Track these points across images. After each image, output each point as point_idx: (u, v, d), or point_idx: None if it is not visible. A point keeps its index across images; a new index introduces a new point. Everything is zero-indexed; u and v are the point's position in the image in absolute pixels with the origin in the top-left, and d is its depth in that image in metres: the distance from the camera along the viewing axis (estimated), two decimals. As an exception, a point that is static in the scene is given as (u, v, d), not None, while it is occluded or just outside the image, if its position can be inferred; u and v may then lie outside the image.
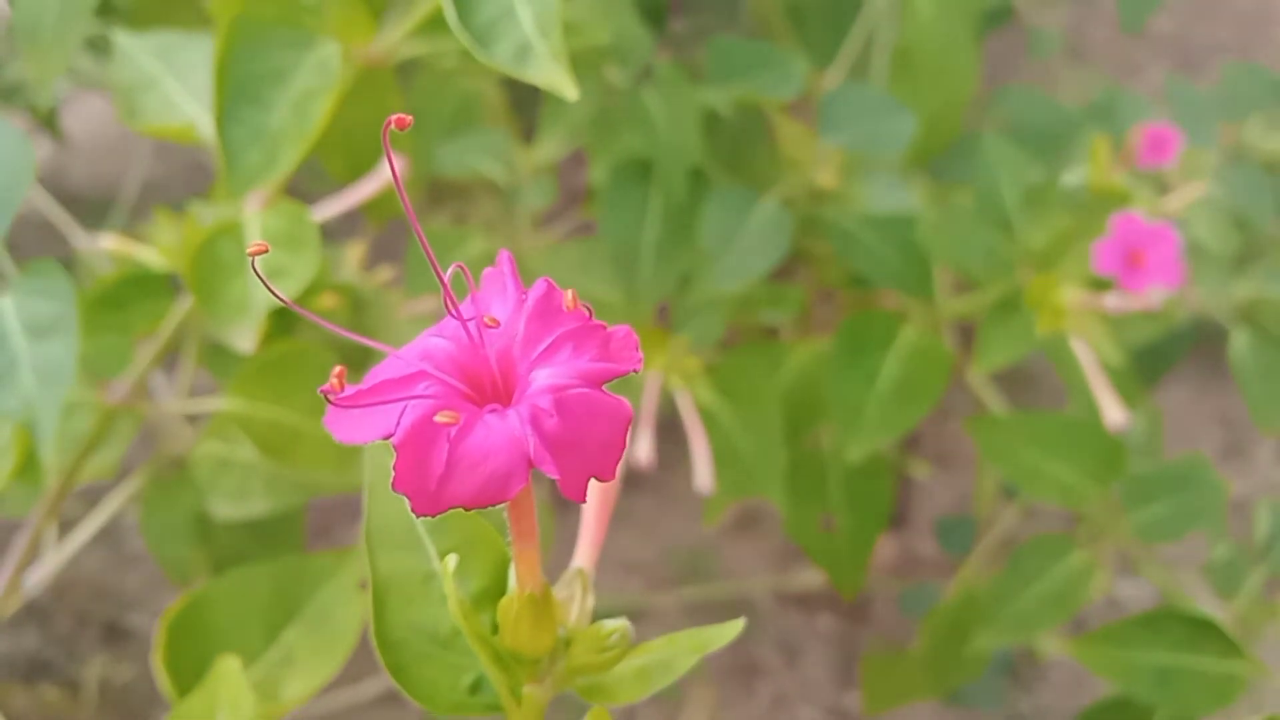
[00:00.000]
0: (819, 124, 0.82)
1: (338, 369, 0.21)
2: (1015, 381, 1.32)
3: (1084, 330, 0.69)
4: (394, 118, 0.22)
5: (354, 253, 0.77)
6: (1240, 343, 1.00)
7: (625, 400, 0.23)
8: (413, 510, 0.21)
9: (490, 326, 0.24)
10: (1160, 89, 1.22)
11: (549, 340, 0.23)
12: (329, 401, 0.22)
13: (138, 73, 0.66)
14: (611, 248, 0.82)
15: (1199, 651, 0.65)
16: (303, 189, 0.98)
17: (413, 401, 0.22)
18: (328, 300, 0.68)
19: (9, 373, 0.54)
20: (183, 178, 1.55)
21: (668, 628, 1.38)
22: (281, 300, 0.23)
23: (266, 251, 0.22)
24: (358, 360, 0.73)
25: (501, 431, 0.22)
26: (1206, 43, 1.98)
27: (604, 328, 0.24)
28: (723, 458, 0.81)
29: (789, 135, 0.79)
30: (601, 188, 0.85)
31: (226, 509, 0.69)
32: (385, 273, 0.78)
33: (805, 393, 0.90)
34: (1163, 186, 1.05)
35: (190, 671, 0.53)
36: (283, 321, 0.65)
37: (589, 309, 0.23)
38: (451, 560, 0.27)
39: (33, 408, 0.54)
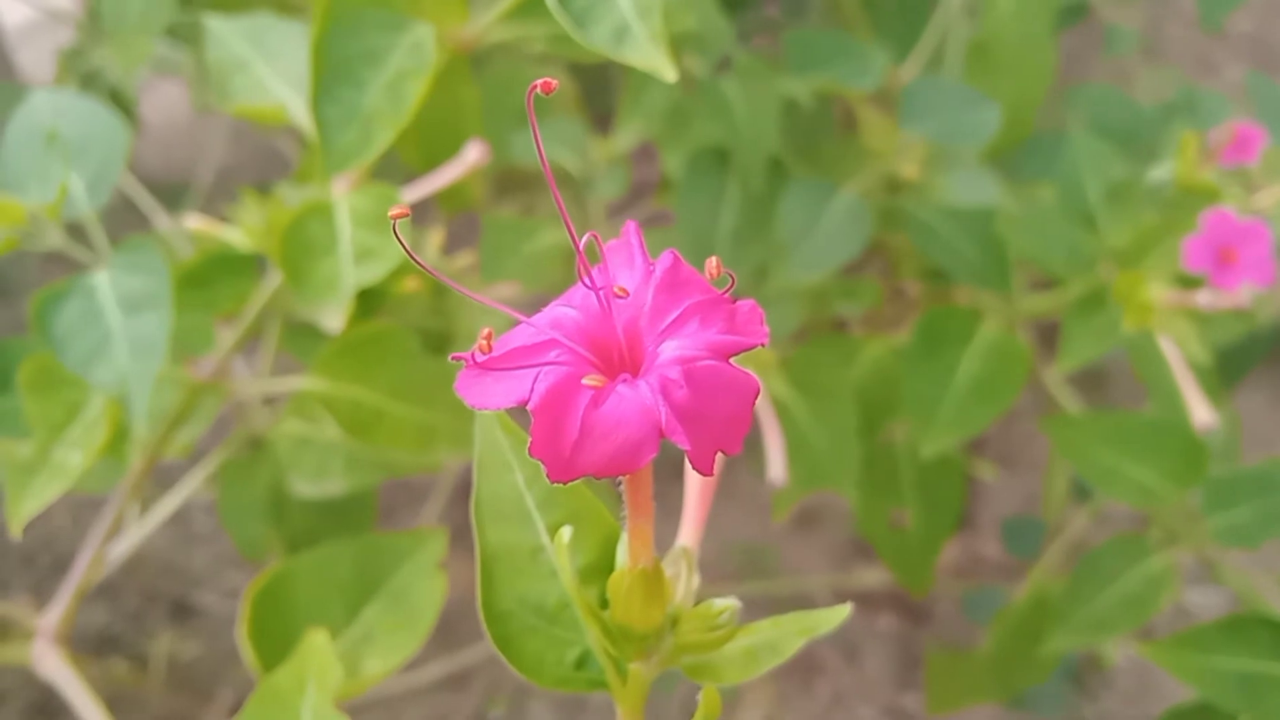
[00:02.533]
0: (900, 115, 0.81)
1: (486, 330, 0.22)
2: (1087, 381, 1.30)
3: (1171, 328, 0.68)
4: (540, 82, 0.22)
5: (434, 238, 0.77)
6: (1323, 346, 0.97)
7: (753, 374, 0.23)
8: (547, 476, 0.21)
9: (619, 297, 0.24)
10: (1237, 88, 1.20)
11: (676, 312, 0.23)
12: (466, 364, 0.22)
13: (229, 55, 0.67)
14: (688, 237, 0.82)
15: (1284, 658, 0.64)
16: (379, 178, 0.99)
17: (547, 368, 0.22)
18: (411, 284, 0.69)
19: (104, 346, 0.55)
20: (256, 164, 1.58)
21: (727, 622, 1.38)
22: (421, 265, 0.23)
23: (408, 215, 0.22)
24: (438, 345, 0.74)
25: (634, 401, 0.22)
26: (1285, 42, 1.94)
27: (730, 301, 0.24)
28: (795, 451, 0.81)
29: (872, 125, 0.78)
30: (678, 177, 0.85)
31: (306, 487, 0.70)
32: (465, 258, 0.79)
33: (879, 388, 0.89)
34: (1248, 184, 1.03)
35: (274, 644, 0.54)
36: (365, 303, 0.66)
37: (733, 277, 0.23)
38: (565, 532, 0.27)
39: (125, 381, 0.55)
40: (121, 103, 1.45)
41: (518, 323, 0.24)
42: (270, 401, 0.78)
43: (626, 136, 0.90)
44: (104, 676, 1.20)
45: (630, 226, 0.25)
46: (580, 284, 0.24)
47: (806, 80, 0.83)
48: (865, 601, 1.35)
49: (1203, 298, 0.64)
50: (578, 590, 0.28)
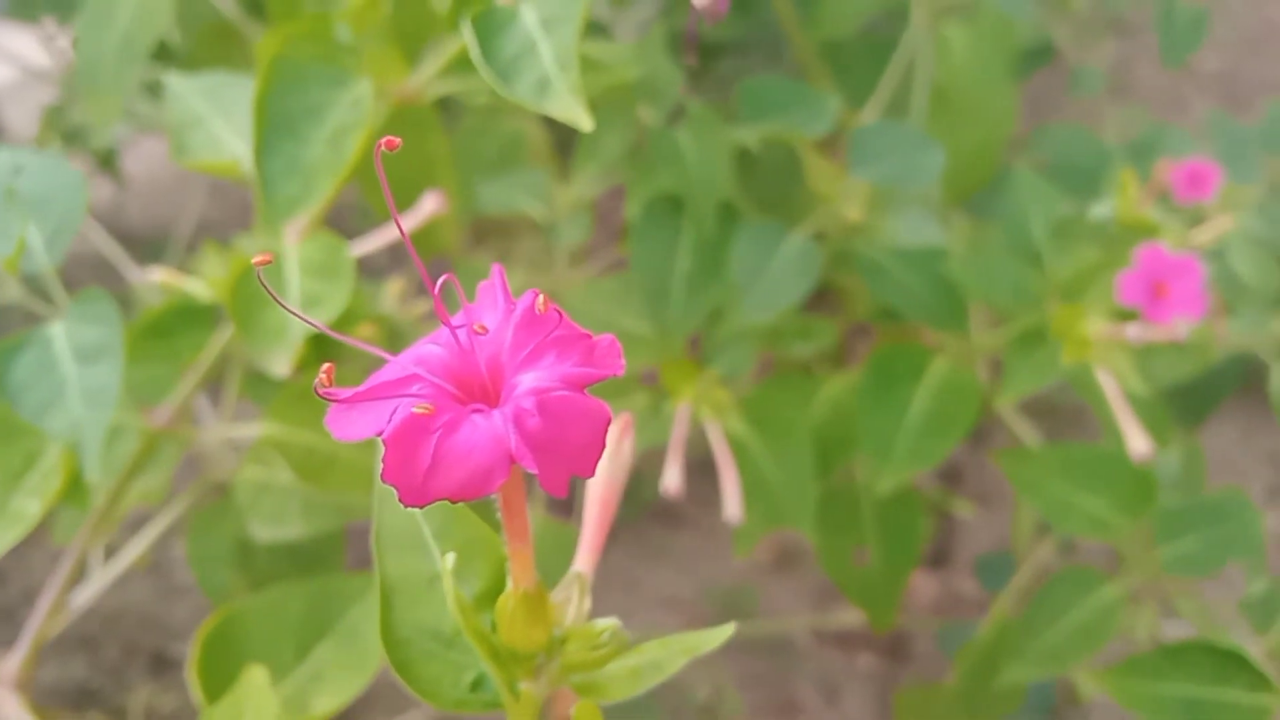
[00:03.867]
0: (848, 159, 0.83)
1: (327, 365, 0.23)
2: (1056, 418, 1.32)
3: (1109, 361, 0.69)
4: (384, 140, 0.24)
5: (394, 287, 0.79)
6: (1280, 379, 0.99)
7: (605, 404, 0.24)
8: (400, 500, 0.23)
9: (480, 334, 0.25)
10: (1205, 126, 1.22)
11: (532, 346, 0.25)
12: (323, 398, 0.24)
13: (187, 112, 0.69)
14: (643, 281, 0.84)
15: (1227, 684, 0.65)
16: (350, 225, 1.01)
17: (404, 400, 0.23)
18: (365, 330, 0.71)
19: (58, 396, 0.57)
20: (236, 217, 1.60)
21: (707, 665, 1.39)
22: (312, 325, 0.25)
23: (270, 262, 0.24)
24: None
25: (485, 429, 0.23)
26: (1254, 80, 1.97)
27: (588, 336, 0.25)
28: (753, 489, 0.82)
29: (818, 171, 0.81)
30: (634, 223, 0.87)
31: (265, 531, 0.72)
32: (423, 306, 0.81)
33: (838, 426, 0.91)
34: (1201, 222, 1.05)
35: (223, 684, 0.55)
36: (320, 350, 0.67)
37: (559, 312, 0.25)
38: (450, 558, 0.29)
39: (79, 429, 0.56)
40: (104, 159, 1.47)
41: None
42: (238, 447, 0.80)
43: (582, 183, 0.92)
44: (83, 731, 1.20)
45: (496, 268, 0.26)
46: (442, 324, 0.26)
47: (758, 128, 0.85)
48: (845, 641, 1.36)
49: (1132, 331, 0.66)
50: (465, 613, 0.29)
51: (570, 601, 0.32)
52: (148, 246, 1.52)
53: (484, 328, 0.25)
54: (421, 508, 0.23)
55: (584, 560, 0.33)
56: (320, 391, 0.23)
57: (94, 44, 0.91)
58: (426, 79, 0.59)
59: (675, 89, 0.83)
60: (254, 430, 0.68)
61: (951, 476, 1.48)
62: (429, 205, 0.78)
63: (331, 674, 0.57)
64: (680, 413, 0.81)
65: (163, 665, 1.31)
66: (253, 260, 0.24)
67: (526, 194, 1.00)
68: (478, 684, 0.32)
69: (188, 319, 0.70)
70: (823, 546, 0.93)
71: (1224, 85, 1.98)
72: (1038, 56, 1.47)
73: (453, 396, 0.25)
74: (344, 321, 0.63)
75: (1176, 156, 1.14)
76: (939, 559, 1.42)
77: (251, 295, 0.60)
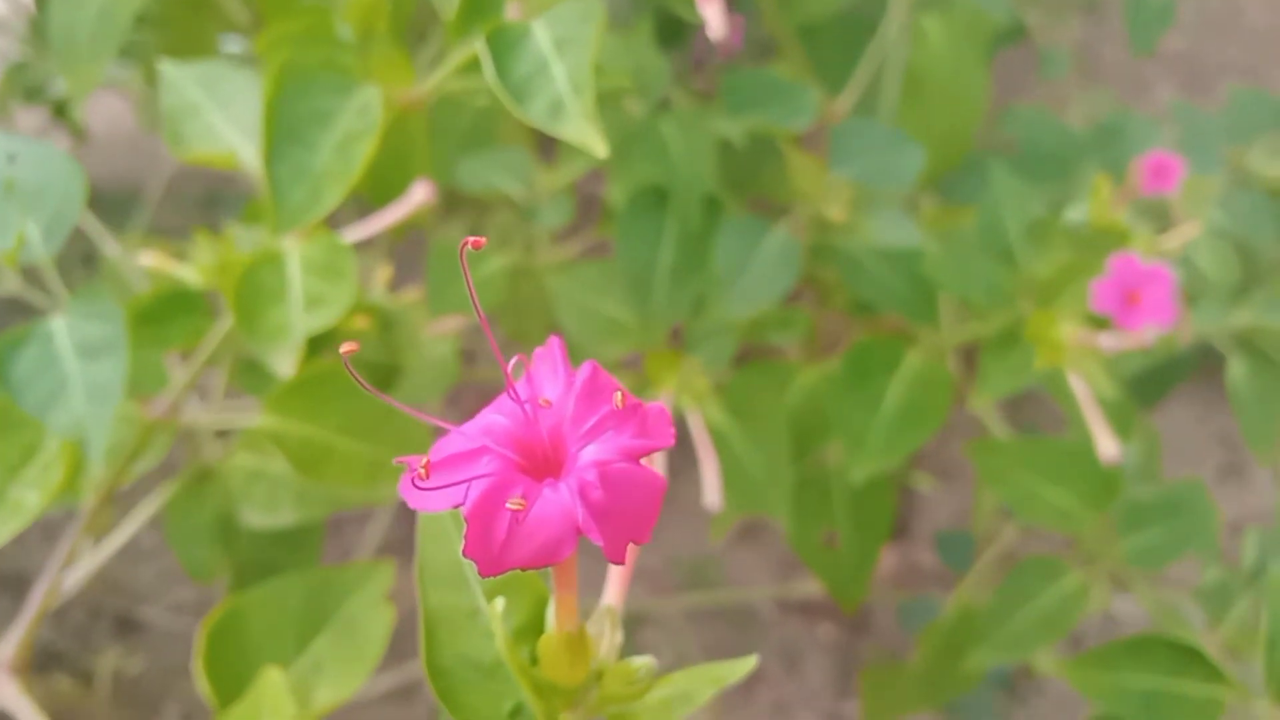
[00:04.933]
0: (830, 156, 0.85)
1: (425, 461, 0.25)
2: (1018, 402, 1.35)
3: (1080, 365, 0.72)
4: (470, 240, 0.25)
5: (382, 274, 0.80)
6: (1238, 370, 1.02)
7: (659, 473, 0.26)
8: (479, 572, 0.25)
9: (544, 407, 0.27)
10: (1168, 108, 1.24)
11: (594, 419, 0.26)
12: (410, 479, 0.25)
13: (182, 101, 0.69)
14: (627, 272, 0.85)
15: (1184, 675, 0.68)
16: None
17: (477, 480, 0.25)
18: (360, 321, 0.72)
19: (61, 391, 0.58)
20: (203, 174, 1.58)
21: (672, 634, 1.41)
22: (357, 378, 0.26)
23: (356, 350, 0.25)
24: (383, 379, 0.77)
25: (555, 504, 0.25)
26: (1217, 61, 2.00)
27: (641, 405, 0.27)
28: (731, 476, 0.84)
29: (800, 168, 0.82)
30: (619, 213, 0.88)
31: (258, 518, 0.73)
32: (411, 293, 0.81)
33: (812, 413, 0.93)
34: (1165, 216, 1.08)
35: (228, 677, 0.57)
36: (314, 341, 0.68)
37: (624, 394, 0.26)
38: (499, 603, 0.31)
39: (82, 425, 0.57)
40: (61, 109, 1.45)
41: (447, 431, 0.27)
42: (222, 434, 0.80)
43: (569, 171, 0.93)
44: (49, 694, 1.20)
45: (554, 341, 0.28)
46: (507, 395, 0.27)
47: (740, 121, 0.86)
48: (805, 611, 1.39)
49: (1106, 341, 0.68)
50: (511, 653, 0.31)
51: (603, 635, 0.33)
52: (113, 204, 1.50)
53: (549, 402, 0.27)
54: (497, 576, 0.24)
55: (614, 595, 0.35)
56: (415, 483, 0.25)
57: (70, 13, 0.90)
58: (432, 86, 0.59)
59: (662, 82, 0.84)
60: (247, 421, 0.69)
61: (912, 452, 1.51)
62: (419, 195, 0.79)
63: (332, 666, 0.58)
64: (662, 402, 0.83)
65: (129, 628, 1.31)
66: (340, 350, 0.25)
67: (506, 173, 1.01)
68: (516, 712, 0.33)
69: (180, 306, 0.71)
70: (794, 530, 0.96)
71: (1187, 66, 2.01)
72: (1008, 36, 1.48)
73: (519, 466, 0.26)
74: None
75: (1140, 142, 1.16)
76: (899, 532, 1.46)
77: (254, 294, 0.60)
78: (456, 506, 0.25)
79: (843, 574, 0.99)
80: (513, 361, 0.27)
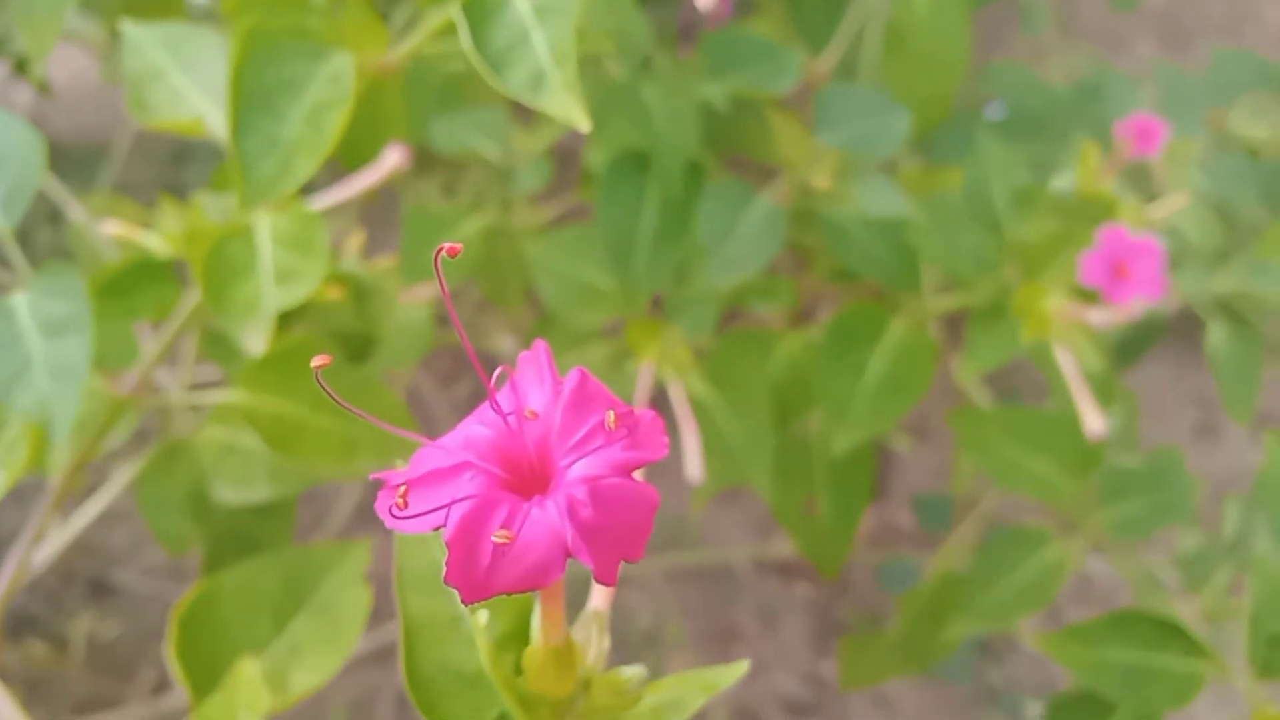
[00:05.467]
0: (814, 122, 0.83)
1: (405, 489, 0.23)
2: (1000, 368, 1.35)
3: (1067, 338, 0.71)
4: (445, 246, 0.24)
5: (354, 241, 0.78)
6: (1217, 335, 1.02)
7: (652, 487, 0.25)
8: (462, 600, 0.23)
9: (530, 419, 0.26)
10: (1147, 65, 1.23)
11: (583, 431, 0.25)
12: (388, 500, 0.24)
13: (146, 64, 0.66)
14: (607, 238, 0.83)
15: (1164, 650, 0.68)
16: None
17: (459, 503, 0.24)
18: (332, 292, 0.70)
19: (23, 371, 0.56)
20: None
21: (650, 593, 1.41)
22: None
23: (329, 364, 0.24)
24: (357, 349, 0.75)
25: (542, 525, 0.24)
26: (1197, 19, 1.98)
27: (632, 414, 0.26)
28: (712, 446, 0.84)
29: (785, 133, 0.80)
30: (599, 177, 0.86)
31: (230, 494, 0.71)
32: (385, 261, 0.80)
33: (794, 381, 0.92)
34: (1146, 179, 1.07)
35: (202, 661, 0.55)
36: (286, 315, 0.66)
37: (617, 407, 0.25)
38: (483, 615, 0.29)
39: (47, 406, 0.55)
40: (22, 63, 1.40)
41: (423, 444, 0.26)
42: (194, 407, 0.79)
43: (548, 134, 0.91)
44: (22, 659, 1.19)
45: (540, 345, 0.26)
46: (489, 406, 0.26)
47: (722, 82, 0.84)
48: (783, 571, 1.40)
49: (1095, 316, 0.67)
50: (495, 665, 0.30)
51: (591, 641, 0.32)
52: (79, 160, 1.47)
53: (535, 413, 0.25)
54: (480, 603, 0.23)
55: (599, 597, 0.34)
56: (393, 511, 0.23)
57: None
58: (405, 52, 0.57)
59: (644, 43, 0.82)
60: (218, 396, 0.67)
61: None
62: (392, 159, 0.77)
63: (309, 648, 0.57)
64: (644, 372, 0.82)
65: (102, 591, 1.30)
66: (312, 364, 0.24)
67: (481, 134, 0.99)
68: (499, 722, 0.32)
69: (147, 276, 0.69)
70: (775, 497, 0.95)
71: (1166, 23, 1.99)
72: (990, -8, 1.46)
73: (503, 482, 0.25)
74: (314, 289, 0.62)
75: (1121, 102, 1.15)
76: (876, 492, 1.46)
77: (222, 268, 0.58)
78: (437, 529, 0.24)
79: (823, 541, 0.98)
80: (497, 372, 0.26)
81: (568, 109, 0.45)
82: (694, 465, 0.79)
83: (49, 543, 0.75)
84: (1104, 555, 1.26)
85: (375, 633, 1.23)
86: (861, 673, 1.04)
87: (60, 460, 0.63)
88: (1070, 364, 0.70)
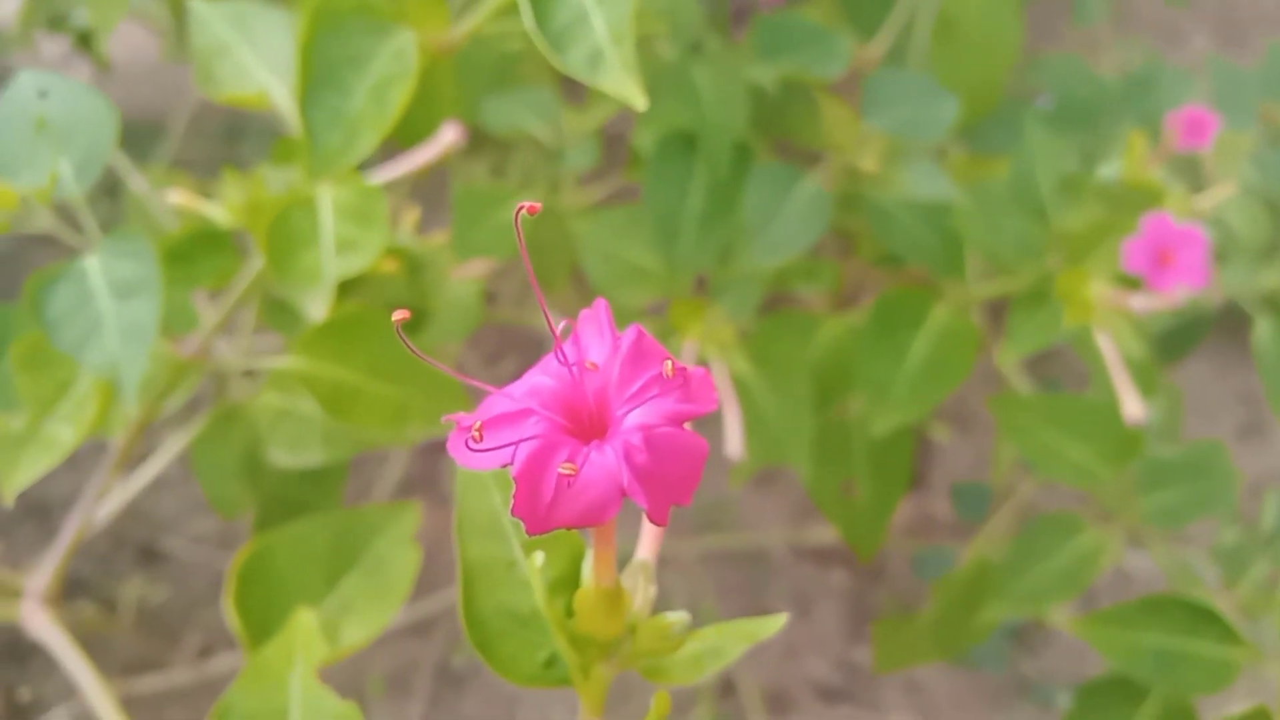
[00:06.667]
0: (863, 106, 0.84)
1: (479, 424, 0.25)
2: (1041, 355, 1.35)
3: (1109, 324, 0.72)
4: (525, 205, 0.25)
5: (409, 217, 0.80)
6: (1264, 331, 1.02)
7: (703, 438, 0.26)
8: (526, 531, 0.25)
9: (591, 370, 0.27)
10: (1203, 59, 1.22)
11: (639, 383, 0.27)
12: (461, 438, 0.26)
13: (213, 39, 0.68)
14: (654, 218, 0.85)
15: (1198, 636, 0.69)
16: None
17: (525, 441, 0.25)
18: (388, 265, 0.72)
19: (95, 330, 0.58)
20: (227, 107, 1.57)
21: (686, 575, 1.42)
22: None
23: (409, 318, 0.26)
24: (412, 322, 0.77)
25: (600, 466, 0.26)
26: (1251, 12, 1.96)
27: (686, 370, 0.27)
28: (752, 425, 0.85)
29: (833, 117, 0.81)
30: (647, 157, 0.87)
31: (285, 458, 0.73)
32: (438, 237, 0.81)
33: (835, 364, 0.93)
34: (1197, 172, 1.06)
35: (258, 614, 0.58)
36: (342, 285, 0.68)
37: (673, 360, 0.27)
38: (538, 556, 0.31)
39: (116, 365, 0.57)
40: (92, 47, 1.44)
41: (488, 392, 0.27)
42: (250, 373, 0.81)
43: (598, 113, 0.92)
44: (73, 621, 1.22)
45: (600, 303, 0.28)
46: (554, 357, 0.28)
47: (774, 66, 0.85)
48: (819, 557, 1.41)
49: (1137, 302, 0.68)
50: (549, 605, 0.32)
51: (638, 589, 0.34)
52: (137, 136, 1.50)
53: (595, 365, 0.27)
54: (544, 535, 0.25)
55: (647, 549, 0.35)
56: (467, 441, 0.25)
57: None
58: (467, 30, 0.59)
59: (695, 25, 0.83)
60: (277, 362, 0.69)
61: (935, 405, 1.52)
62: (448, 136, 0.78)
63: (360, 605, 0.60)
64: (687, 351, 0.83)
65: (151, 557, 1.33)
66: (394, 318, 0.26)
67: (532, 114, 1.00)
68: (550, 662, 0.34)
69: (209, 245, 0.71)
70: (813, 479, 0.96)
71: (1221, 16, 1.97)
72: (1042, -19, 1.45)
73: (564, 428, 0.27)
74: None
75: (1174, 95, 1.15)
76: (914, 481, 1.46)
77: (286, 237, 0.60)
78: (504, 466, 0.26)
79: (860, 524, 0.99)
80: (561, 325, 0.28)
81: (625, 87, 0.46)
82: (735, 443, 0.80)
83: (108, 503, 0.78)
84: (1142, 551, 1.26)
85: (413, 606, 1.25)
86: (895, 656, 1.05)
87: (126, 419, 0.65)
88: (1111, 349, 0.71)
